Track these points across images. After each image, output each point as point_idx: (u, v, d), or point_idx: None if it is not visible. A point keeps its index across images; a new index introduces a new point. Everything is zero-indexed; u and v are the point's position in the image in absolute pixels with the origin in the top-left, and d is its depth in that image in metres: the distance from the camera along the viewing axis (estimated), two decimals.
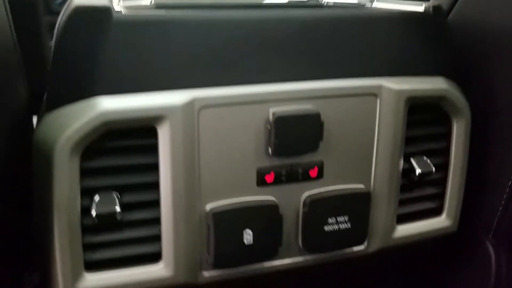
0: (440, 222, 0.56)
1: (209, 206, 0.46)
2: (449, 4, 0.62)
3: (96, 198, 0.43)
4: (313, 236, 0.49)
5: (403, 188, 0.54)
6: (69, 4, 0.42)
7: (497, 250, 0.61)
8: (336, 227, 0.49)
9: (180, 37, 0.43)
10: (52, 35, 0.45)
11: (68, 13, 0.41)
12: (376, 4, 0.53)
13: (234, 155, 0.45)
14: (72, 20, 0.40)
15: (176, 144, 0.42)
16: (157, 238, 0.45)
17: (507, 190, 0.57)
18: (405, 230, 0.54)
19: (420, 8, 0.51)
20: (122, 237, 0.45)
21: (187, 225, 0.45)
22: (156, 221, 0.45)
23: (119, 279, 0.45)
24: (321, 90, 0.46)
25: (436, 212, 0.57)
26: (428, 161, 0.53)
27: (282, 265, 0.50)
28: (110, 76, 0.41)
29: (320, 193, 0.49)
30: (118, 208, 0.43)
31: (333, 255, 0.52)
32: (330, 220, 0.49)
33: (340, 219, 0.49)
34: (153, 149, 0.43)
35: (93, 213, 0.42)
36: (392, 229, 0.53)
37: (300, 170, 0.48)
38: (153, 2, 0.45)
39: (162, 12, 0.44)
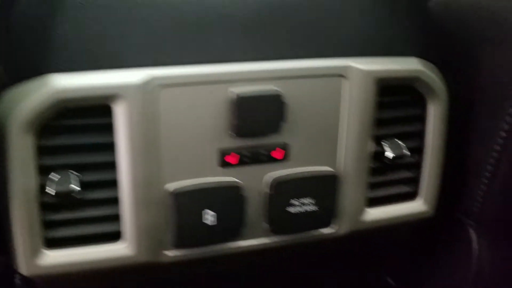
0: (415, 206, 0.55)
1: (170, 186, 0.45)
2: None
3: (54, 176, 0.43)
4: (278, 217, 0.49)
5: (375, 171, 0.52)
6: None
7: (479, 235, 0.60)
8: (301, 209, 0.49)
9: (137, 14, 0.42)
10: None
11: None
12: None
13: (195, 135, 0.45)
14: None
15: (133, 123, 0.42)
16: (117, 217, 0.45)
17: (487, 174, 0.55)
18: (376, 213, 0.53)
19: None
20: (82, 215, 0.45)
21: (146, 205, 0.45)
22: (116, 200, 0.45)
23: (80, 256, 0.45)
24: (284, 71, 0.45)
25: (412, 196, 0.56)
26: (401, 144, 0.52)
27: (247, 246, 0.50)
28: (64, 54, 0.41)
29: (285, 174, 0.48)
30: (75, 187, 0.43)
31: (301, 237, 0.51)
32: (295, 202, 0.48)
33: (305, 201, 0.49)
34: (110, 128, 0.43)
35: (51, 191, 0.42)
36: (362, 212, 0.52)
37: (263, 152, 0.47)
38: None
39: None
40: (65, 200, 0.43)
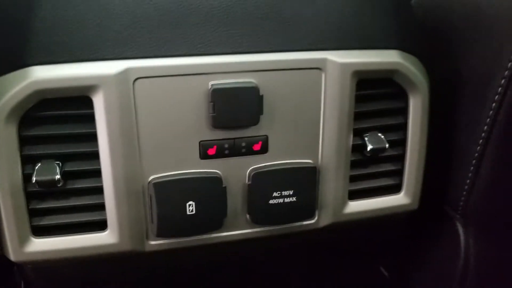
0: (398, 199, 0.56)
1: (151, 178, 0.47)
2: None
3: (37, 166, 0.44)
4: (259, 209, 0.50)
5: (356, 164, 0.53)
6: None
7: (466, 228, 0.60)
8: (282, 200, 0.50)
9: (114, 7, 0.43)
10: None
11: None
12: None
13: (175, 127, 0.46)
14: None
15: (111, 114, 0.43)
16: (101, 206, 0.47)
17: (472, 168, 0.56)
18: (358, 206, 0.54)
19: None
20: (68, 204, 0.46)
21: (129, 195, 0.46)
22: (99, 190, 0.46)
23: (66, 244, 0.47)
24: (261, 63, 0.46)
25: (396, 189, 0.56)
26: (382, 137, 0.52)
27: (229, 236, 0.51)
28: (43, 47, 0.42)
29: (265, 166, 0.49)
30: (57, 176, 0.44)
31: (282, 228, 0.52)
32: (275, 194, 0.49)
33: (285, 193, 0.50)
34: (91, 119, 0.44)
35: (34, 180, 0.44)
36: (343, 204, 0.53)
37: (243, 144, 0.48)
38: None
39: None
40: (49, 189, 0.45)
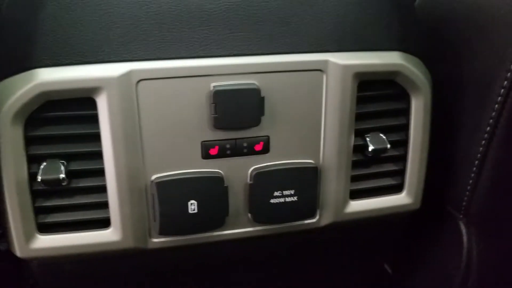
0: (400, 199, 0.56)
1: (154, 177, 0.47)
2: None
3: (43, 165, 0.45)
4: (260, 208, 0.50)
5: (358, 164, 0.53)
6: None
7: (468, 228, 0.60)
8: (282, 200, 0.50)
9: (118, 10, 0.44)
10: None
11: None
12: None
13: (177, 128, 0.47)
14: None
15: (114, 115, 0.44)
16: (105, 204, 0.48)
17: (474, 168, 0.56)
18: (359, 205, 0.54)
19: None
20: (72, 202, 0.47)
21: (131, 194, 0.47)
22: (103, 188, 0.47)
23: (71, 241, 0.48)
24: (263, 65, 0.46)
25: (398, 189, 0.56)
26: (384, 137, 0.53)
27: (231, 234, 0.52)
28: (48, 49, 0.43)
29: (266, 166, 0.50)
30: (62, 175, 0.45)
31: (284, 227, 0.53)
32: (276, 193, 0.50)
33: (286, 192, 0.50)
34: (95, 119, 0.45)
35: (39, 179, 0.45)
36: (345, 204, 0.53)
37: (245, 144, 0.48)
38: None
39: None
40: (54, 187, 0.46)
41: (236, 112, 0.46)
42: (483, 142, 0.53)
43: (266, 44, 0.47)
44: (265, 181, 0.50)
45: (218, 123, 0.46)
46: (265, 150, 0.49)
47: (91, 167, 0.47)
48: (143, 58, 0.44)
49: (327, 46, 0.48)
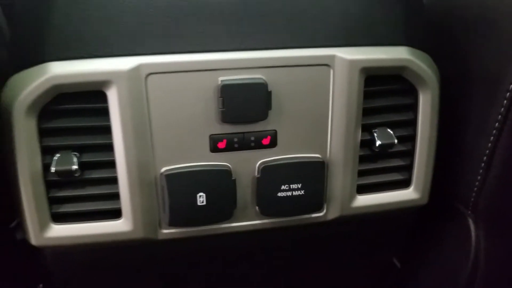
0: (407, 194, 0.56)
1: (163, 169, 0.49)
2: None
3: (56, 156, 0.47)
4: (268, 201, 0.51)
5: (365, 159, 0.54)
6: None
7: (476, 223, 0.60)
8: (289, 193, 0.51)
9: (127, 5, 0.45)
10: None
11: None
12: None
13: (186, 121, 0.48)
14: None
15: (124, 108, 0.45)
16: (116, 196, 0.49)
17: (482, 164, 0.56)
18: (366, 200, 0.55)
19: None
20: (84, 193, 0.49)
21: (142, 186, 0.48)
22: (114, 180, 0.49)
23: (83, 231, 0.49)
24: (270, 60, 0.47)
25: (406, 184, 0.57)
26: (391, 132, 0.53)
27: (238, 227, 0.53)
28: (60, 44, 0.44)
29: (274, 159, 0.50)
30: (75, 166, 0.47)
31: (291, 220, 0.54)
32: (283, 187, 0.51)
33: (293, 186, 0.51)
34: (106, 112, 0.46)
35: (53, 170, 0.47)
36: (352, 198, 0.54)
37: (252, 138, 0.49)
38: None
39: None
40: (67, 178, 0.48)
41: (244, 106, 0.47)
42: (491, 138, 0.53)
43: (274, 39, 0.48)
44: (272, 175, 0.50)
45: (226, 117, 0.47)
46: (273, 144, 0.50)
47: (102, 159, 0.48)
48: (152, 52, 0.45)
49: (334, 41, 0.49)
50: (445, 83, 0.54)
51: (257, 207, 0.52)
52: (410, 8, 0.51)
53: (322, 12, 0.48)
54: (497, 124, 0.52)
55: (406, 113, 0.54)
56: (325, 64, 0.48)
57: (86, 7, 0.44)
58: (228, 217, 0.51)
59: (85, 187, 0.49)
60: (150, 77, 0.45)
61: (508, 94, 0.50)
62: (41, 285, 0.67)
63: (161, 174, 0.48)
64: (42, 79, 0.43)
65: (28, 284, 0.66)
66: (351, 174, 0.53)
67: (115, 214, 0.50)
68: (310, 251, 0.64)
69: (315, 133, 0.51)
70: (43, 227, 0.48)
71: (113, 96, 0.45)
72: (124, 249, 0.53)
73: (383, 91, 0.52)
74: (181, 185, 0.49)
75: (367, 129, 0.53)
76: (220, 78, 0.46)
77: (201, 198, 0.49)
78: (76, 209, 0.49)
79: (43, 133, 0.46)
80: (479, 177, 0.56)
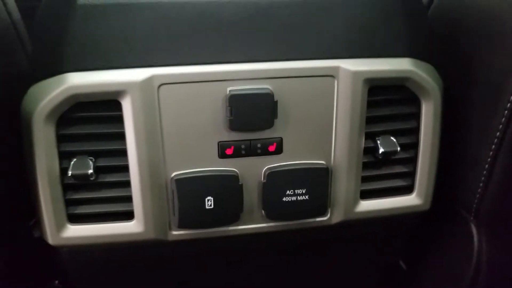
0: (410, 200, 0.58)
1: (174, 174, 0.51)
2: None
3: (73, 161, 0.49)
4: (273, 205, 0.53)
5: (369, 165, 0.56)
6: None
7: (478, 228, 0.61)
8: (294, 198, 0.53)
9: (141, 20, 0.47)
10: None
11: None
12: None
13: (196, 129, 0.50)
14: (46, 4, 0.46)
15: (137, 116, 0.48)
16: (129, 198, 0.52)
17: (484, 172, 0.57)
18: (370, 205, 0.56)
19: None
20: (99, 196, 0.51)
21: (153, 189, 0.51)
22: (127, 183, 0.51)
23: (98, 231, 0.52)
24: (276, 71, 0.49)
25: (409, 190, 0.58)
26: (394, 140, 0.55)
27: (245, 229, 0.55)
28: (78, 55, 0.47)
29: (279, 165, 0.53)
30: (90, 171, 0.49)
31: (296, 223, 0.56)
32: (288, 192, 0.53)
33: (298, 191, 0.53)
34: (120, 120, 0.49)
35: (70, 173, 0.49)
36: (355, 203, 0.56)
37: (259, 145, 0.51)
38: None
39: None
40: (83, 182, 0.50)
41: (251, 114, 0.49)
42: (493, 146, 0.54)
43: (280, 51, 0.50)
44: (278, 180, 0.52)
45: (234, 125, 0.49)
46: (278, 151, 0.52)
47: (116, 163, 0.51)
48: (164, 64, 0.48)
49: (339, 53, 0.50)
50: (448, 91, 0.55)
51: (263, 211, 0.54)
52: (413, 20, 0.52)
53: (327, 25, 0.50)
54: (498, 133, 0.53)
55: (409, 121, 0.55)
56: (330, 75, 0.50)
57: (103, 22, 0.46)
58: (235, 220, 0.53)
59: (99, 190, 0.51)
60: (162, 88, 0.48)
61: (509, 104, 0.51)
62: (56, 282, 0.70)
63: (172, 178, 0.51)
64: (61, 89, 0.46)
65: (44, 280, 0.69)
66: (354, 180, 0.54)
67: (128, 216, 0.52)
68: (315, 254, 0.65)
69: (319, 141, 0.53)
70: (59, 227, 0.51)
71: (127, 105, 0.47)
72: (135, 249, 0.55)
73: (386, 101, 0.54)
74: (190, 189, 0.51)
75: (370, 136, 0.55)
76: (229, 88, 0.49)
77: (209, 202, 0.51)
78: (91, 211, 0.52)
79: (61, 139, 0.49)
80: (481, 184, 0.58)
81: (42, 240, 0.53)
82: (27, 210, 0.55)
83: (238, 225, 0.54)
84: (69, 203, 0.51)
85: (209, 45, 0.48)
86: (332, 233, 0.59)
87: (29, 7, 0.55)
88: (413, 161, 0.57)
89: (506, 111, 0.52)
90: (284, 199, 0.53)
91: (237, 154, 0.51)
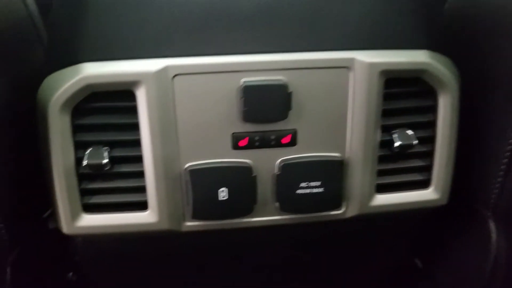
0: (426, 194, 0.57)
1: (187, 165, 0.51)
2: None
3: (88, 151, 0.50)
4: (287, 198, 0.53)
5: (385, 159, 0.55)
6: None
7: (497, 225, 0.60)
8: (308, 191, 0.53)
9: (156, 10, 0.47)
10: None
11: None
12: None
13: (210, 120, 0.50)
14: None
15: (151, 107, 0.48)
16: (143, 189, 0.52)
17: (503, 167, 0.56)
18: (385, 199, 0.56)
19: None
20: (114, 186, 0.52)
21: (167, 180, 0.51)
22: (141, 174, 0.51)
23: (112, 221, 0.52)
24: (291, 62, 0.49)
25: (426, 184, 0.57)
26: (411, 133, 0.54)
27: (258, 221, 0.55)
28: (93, 46, 0.47)
29: (293, 157, 0.52)
30: (105, 160, 0.49)
31: (310, 216, 0.55)
32: (302, 184, 0.52)
33: (312, 184, 0.52)
34: (134, 110, 0.49)
35: (85, 163, 0.49)
36: (370, 197, 0.55)
37: (273, 137, 0.51)
38: None
39: None
40: (97, 171, 0.50)
41: (265, 106, 0.49)
42: (511, 141, 0.53)
43: (294, 42, 0.49)
44: (292, 172, 0.52)
45: (248, 116, 0.49)
46: (293, 143, 0.52)
47: (131, 154, 0.51)
48: (178, 54, 0.48)
49: (354, 44, 0.50)
50: (466, 85, 0.54)
51: (276, 203, 0.54)
52: (430, 11, 0.52)
53: (342, 17, 0.49)
54: None
55: (426, 114, 0.55)
56: (345, 66, 0.50)
57: (118, 13, 0.47)
58: (248, 212, 0.53)
59: (114, 180, 0.52)
60: (177, 78, 0.48)
61: None
62: (70, 274, 0.71)
63: (185, 169, 0.51)
64: (76, 79, 0.46)
65: (59, 272, 0.70)
66: (370, 173, 0.54)
67: (142, 206, 0.52)
68: (328, 249, 0.65)
69: (334, 133, 0.52)
70: (74, 216, 0.51)
71: (141, 96, 0.48)
72: (149, 240, 0.55)
73: (403, 93, 0.53)
74: (204, 180, 0.51)
75: (386, 129, 0.54)
76: (243, 80, 0.48)
77: (223, 193, 0.51)
78: (106, 201, 0.52)
79: (76, 129, 0.49)
80: (499, 179, 0.57)
81: (56, 232, 0.53)
82: (41, 202, 0.56)
83: (251, 217, 0.54)
84: (84, 192, 0.52)
85: (224, 36, 0.48)
86: (346, 227, 0.59)
87: None
88: (430, 155, 0.56)
89: None
90: (298, 191, 0.53)
91: (251, 145, 0.51)
